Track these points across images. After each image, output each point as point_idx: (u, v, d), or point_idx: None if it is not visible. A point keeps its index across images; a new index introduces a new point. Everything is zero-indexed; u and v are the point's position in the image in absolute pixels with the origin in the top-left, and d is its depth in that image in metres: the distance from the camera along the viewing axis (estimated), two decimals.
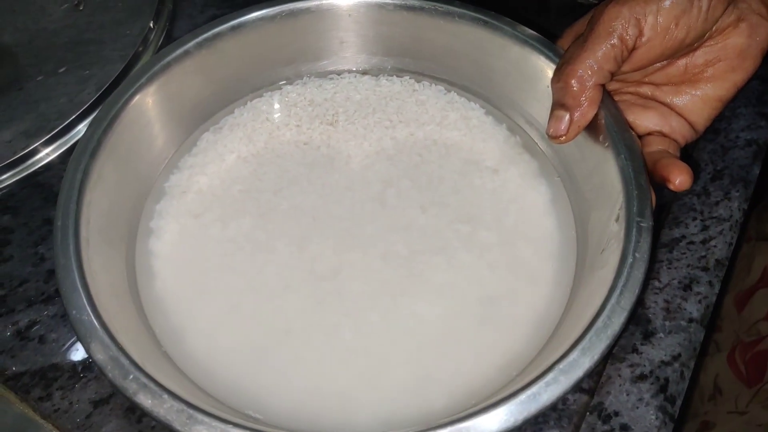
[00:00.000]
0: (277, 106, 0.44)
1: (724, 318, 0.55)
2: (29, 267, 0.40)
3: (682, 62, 0.35)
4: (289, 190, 0.40)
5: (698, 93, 0.35)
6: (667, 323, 0.36)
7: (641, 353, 0.35)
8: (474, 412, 0.26)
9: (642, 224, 0.31)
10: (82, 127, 0.45)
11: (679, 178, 0.33)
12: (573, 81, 0.33)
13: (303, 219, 0.39)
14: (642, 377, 0.34)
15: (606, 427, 0.33)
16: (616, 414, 0.33)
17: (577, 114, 0.33)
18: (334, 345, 0.35)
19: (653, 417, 0.33)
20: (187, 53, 0.39)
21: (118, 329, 0.30)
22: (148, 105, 0.38)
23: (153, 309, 0.36)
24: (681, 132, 0.36)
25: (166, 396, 0.27)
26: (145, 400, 0.27)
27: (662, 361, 0.35)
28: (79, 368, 0.36)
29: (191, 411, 0.27)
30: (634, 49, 0.33)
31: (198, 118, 0.43)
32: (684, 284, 0.37)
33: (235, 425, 0.26)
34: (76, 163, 0.34)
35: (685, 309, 0.36)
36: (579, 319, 0.31)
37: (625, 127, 0.34)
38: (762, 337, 0.50)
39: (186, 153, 0.42)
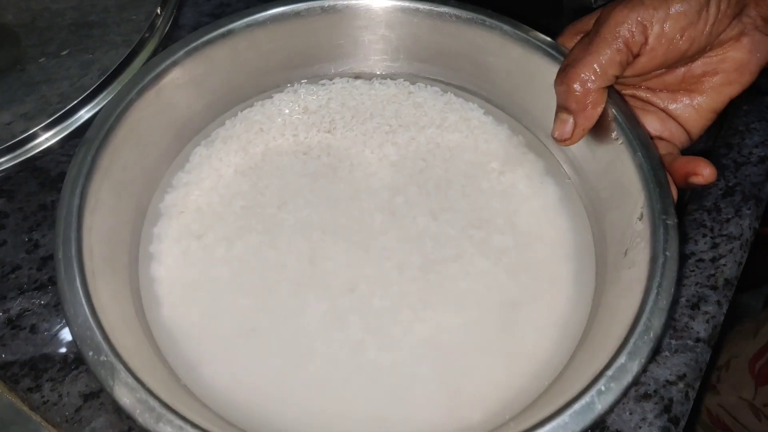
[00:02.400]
0: (269, 115, 0.42)
1: (724, 381, 0.54)
2: (22, 253, 0.39)
3: (680, 71, 0.35)
4: (293, 204, 0.38)
5: (693, 103, 0.35)
6: (673, 342, 0.35)
7: (646, 371, 0.34)
8: (529, 428, 0.26)
9: (668, 222, 0.30)
10: (84, 113, 0.44)
11: (707, 170, 0.32)
12: (576, 84, 0.32)
13: (311, 233, 0.37)
14: (646, 396, 0.33)
15: None
16: None
17: (581, 117, 0.32)
18: (359, 363, 0.33)
19: None
20: (175, 63, 0.37)
21: (138, 367, 0.28)
22: (139, 121, 0.36)
23: (164, 339, 0.34)
24: (679, 138, 0.36)
25: None
26: None
27: (667, 381, 0.34)
28: (70, 360, 0.35)
29: None
30: (637, 55, 0.32)
31: (189, 131, 0.41)
32: (692, 303, 0.36)
33: None
34: (72, 187, 0.31)
35: (692, 328, 0.36)
36: (611, 321, 0.30)
37: (638, 123, 0.34)
38: None
39: (179, 170, 0.40)
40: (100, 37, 0.48)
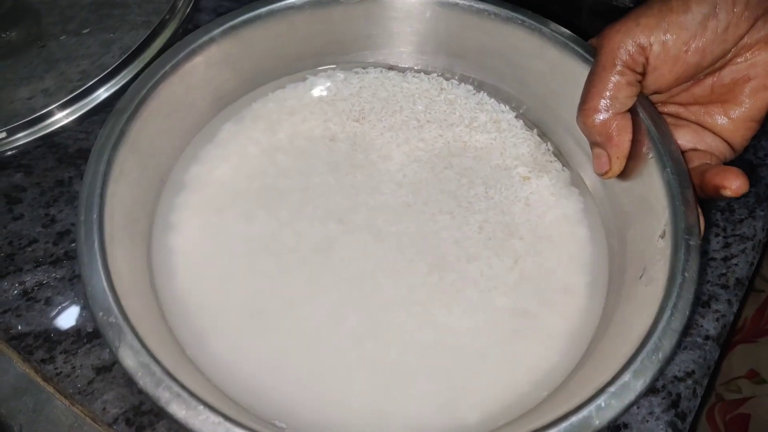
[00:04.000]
0: (301, 98, 0.42)
1: None
2: (39, 227, 0.39)
3: (707, 82, 0.33)
4: (314, 190, 0.38)
5: (728, 115, 0.33)
6: (683, 339, 0.35)
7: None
8: None
9: (690, 242, 0.29)
10: (102, 91, 0.44)
11: (736, 183, 0.30)
12: (593, 119, 0.31)
13: (329, 221, 0.37)
14: (654, 391, 0.34)
15: None
16: (626, 426, 0.33)
17: (610, 148, 0.31)
18: (362, 354, 0.33)
19: None
20: (212, 41, 0.37)
21: (146, 333, 0.28)
22: (171, 95, 0.36)
23: (174, 308, 0.34)
24: (718, 149, 0.33)
25: (201, 407, 0.25)
26: (178, 411, 0.25)
27: (675, 377, 0.34)
28: (84, 333, 0.35)
29: (229, 424, 0.25)
30: (644, 74, 0.31)
31: (220, 107, 0.41)
32: (702, 301, 0.37)
33: None
34: (98, 155, 0.32)
35: (702, 326, 0.36)
36: (622, 337, 0.29)
37: (671, 139, 0.33)
38: (744, 398, 0.49)
39: (207, 143, 0.39)
40: (121, 17, 0.48)
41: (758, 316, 0.51)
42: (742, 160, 0.42)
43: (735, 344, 0.52)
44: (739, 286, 0.37)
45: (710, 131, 0.34)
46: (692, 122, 0.34)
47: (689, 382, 0.34)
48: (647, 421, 0.33)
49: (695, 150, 0.34)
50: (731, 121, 0.33)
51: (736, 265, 0.38)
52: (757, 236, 0.39)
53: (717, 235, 0.39)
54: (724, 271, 0.38)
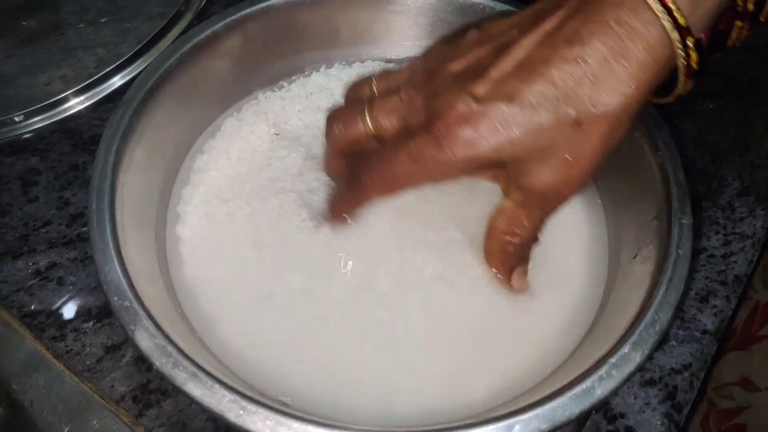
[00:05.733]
0: (301, 93, 0.42)
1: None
2: (53, 210, 0.39)
3: None
4: (318, 181, 0.38)
5: None
6: (680, 332, 0.35)
7: (652, 359, 0.34)
8: (528, 405, 0.26)
9: (683, 221, 0.30)
10: (117, 79, 0.45)
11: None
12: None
13: None
14: (651, 382, 0.34)
15: (611, 428, 0.32)
16: (622, 416, 0.33)
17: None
18: (371, 335, 0.33)
19: (659, 423, 0.32)
20: (215, 34, 0.37)
21: (159, 316, 0.28)
22: (175, 86, 0.36)
23: (184, 296, 0.34)
24: None
25: (217, 386, 0.26)
26: (194, 390, 0.26)
27: (672, 369, 0.34)
28: (94, 313, 0.35)
29: (244, 402, 0.25)
30: None
31: (223, 101, 0.41)
32: (701, 296, 0.37)
33: (289, 416, 0.25)
34: (108, 145, 0.32)
35: (699, 320, 0.36)
36: (620, 314, 0.30)
37: (660, 122, 0.34)
38: (740, 408, 0.49)
39: (210, 137, 0.40)
40: (137, 7, 0.49)
41: (749, 323, 0.51)
42: (743, 159, 0.42)
43: (727, 351, 0.52)
44: (737, 283, 0.37)
45: None
46: None
47: (686, 374, 0.34)
48: (644, 412, 0.33)
49: None
50: None
51: (735, 262, 0.38)
52: (756, 235, 0.39)
53: (717, 232, 0.39)
54: (723, 268, 0.38)
